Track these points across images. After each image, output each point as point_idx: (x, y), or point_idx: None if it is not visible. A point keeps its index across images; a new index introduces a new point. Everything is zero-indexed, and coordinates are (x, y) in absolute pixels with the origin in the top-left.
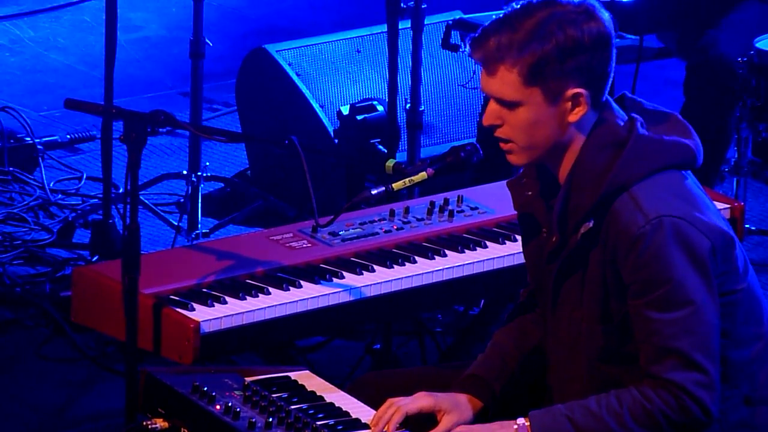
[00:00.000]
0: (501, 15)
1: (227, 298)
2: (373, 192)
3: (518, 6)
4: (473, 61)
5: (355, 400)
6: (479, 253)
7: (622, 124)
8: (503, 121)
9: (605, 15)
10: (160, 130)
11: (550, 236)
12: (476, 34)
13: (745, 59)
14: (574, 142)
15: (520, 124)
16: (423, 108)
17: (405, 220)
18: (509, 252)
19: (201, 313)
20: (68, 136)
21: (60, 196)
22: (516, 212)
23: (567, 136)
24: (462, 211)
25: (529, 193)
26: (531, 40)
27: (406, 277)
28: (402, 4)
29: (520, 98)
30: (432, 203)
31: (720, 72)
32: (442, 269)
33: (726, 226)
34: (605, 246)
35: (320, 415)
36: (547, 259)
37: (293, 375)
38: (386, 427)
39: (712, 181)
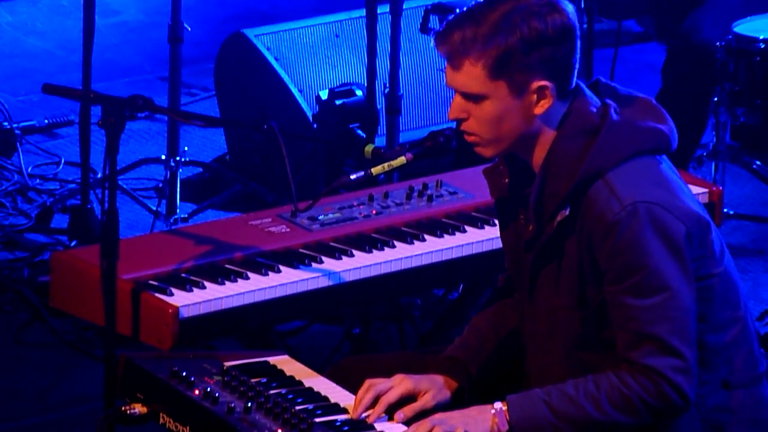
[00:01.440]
0: (465, 8)
1: (206, 283)
2: (352, 177)
3: None
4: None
5: (335, 385)
6: (458, 238)
7: (595, 110)
8: (469, 115)
9: (569, 7)
10: (139, 114)
11: (527, 224)
12: (440, 29)
13: (723, 43)
14: (542, 133)
15: (486, 117)
16: (402, 93)
17: (384, 204)
18: (488, 237)
19: (180, 298)
20: (46, 121)
21: (38, 181)
22: (491, 197)
23: (534, 129)
24: (441, 195)
25: (506, 180)
26: (495, 34)
27: (385, 261)
28: None
29: (486, 92)
30: (411, 188)
31: (701, 57)
32: (421, 254)
33: (701, 210)
34: (581, 233)
35: (299, 400)
36: (524, 247)
37: (272, 360)
38: (368, 418)
39: (688, 164)
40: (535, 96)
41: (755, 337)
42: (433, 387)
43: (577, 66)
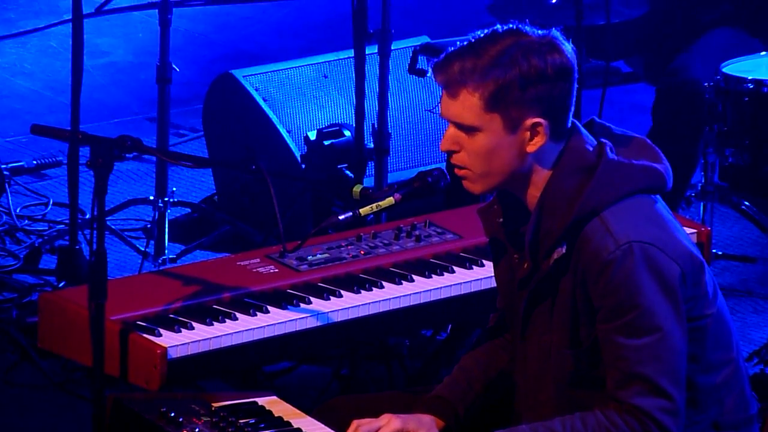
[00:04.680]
0: (466, 41)
1: (194, 324)
2: (341, 217)
3: (483, 33)
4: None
5: (322, 426)
6: (446, 278)
7: (591, 149)
8: (461, 147)
9: (568, 47)
10: (127, 155)
11: (522, 262)
12: (440, 58)
13: (712, 84)
14: (533, 172)
15: (478, 150)
16: (390, 133)
17: (372, 245)
18: (476, 277)
19: (168, 339)
20: (34, 162)
21: (26, 221)
22: (486, 238)
23: (525, 167)
24: (429, 236)
25: (500, 219)
26: (494, 66)
27: (373, 302)
28: (369, 30)
29: (480, 124)
30: (399, 228)
31: (690, 95)
32: (410, 294)
33: (695, 250)
34: (576, 270)
35: None
36: (518, 285)
37: (260, 401)
38: None
39: (678, 205)
40: (528, 133)
41: (747, 379)
42: (420, 427)
43: (573, 107)
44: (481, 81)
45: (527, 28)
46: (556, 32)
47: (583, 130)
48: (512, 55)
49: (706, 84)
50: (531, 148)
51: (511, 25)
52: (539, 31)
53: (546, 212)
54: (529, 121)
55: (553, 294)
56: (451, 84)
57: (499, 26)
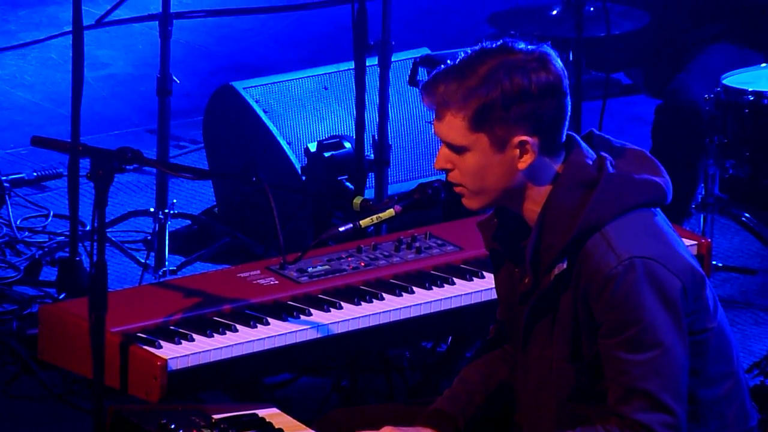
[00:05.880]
0: (454, 61)
1: (194, 336)
2: (341, 229)
3: (473, 51)
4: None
5: None
6: (447, 290)
7: (591, 163)
8: (454, 166)
9: (558, 63)
10: (127, 167)
11: (523, 277)
12: (426, 80)
13: (712, 96)
14: (528, 188)
15: (469, 169)
16: (390, 144)
17: (372, 256)
18: (476, 289)
19: (168, 351)
20: (35, 174)
21: (27, 233)
22: (486, 250)
23: (518, 183)
24: (429, 247)
25: (500, 233)
26: (478, 87)
27: (373, 314)
28: (369, 41)
29: (467, 144)
30: (399, 240)
31: (690, 115)
32: (410, 306)
33: (696, 264)
34: (577, 286)
35: None
36: (519, 299)
37: (261, 413)
38: None
39: (683, 220)
40: (517, 151)
41: (747, 391)
42: None
43: (566, 122)
44: (463, 102)
45: (518, 45)
46: (547, 48)
47: (582, 143)
48: (496, 74)
49: (706, 96)
50: (522, 166)
51: (501, 42)
52: (530, 47)
53: (547, 228)
54: (517, 139)
55: (554, 309)
56: (437, 106)
57: (488, 43)
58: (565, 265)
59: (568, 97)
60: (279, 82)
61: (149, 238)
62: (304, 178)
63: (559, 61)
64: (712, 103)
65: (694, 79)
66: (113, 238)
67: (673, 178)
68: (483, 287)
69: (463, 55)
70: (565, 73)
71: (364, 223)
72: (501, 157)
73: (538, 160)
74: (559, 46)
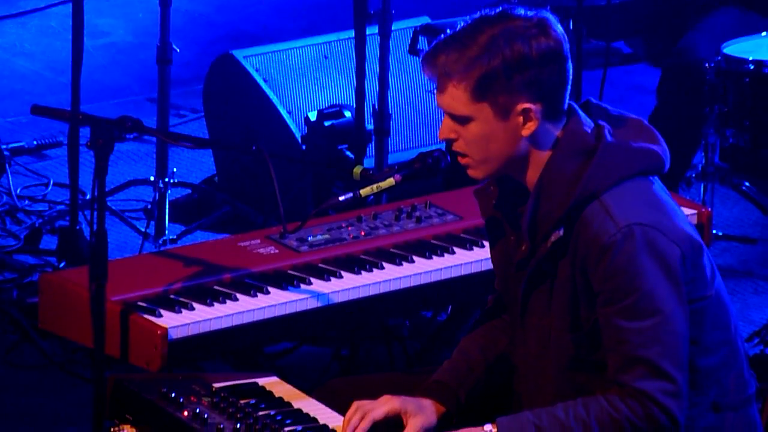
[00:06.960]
0: (454, 30)
1: (195, 305)
2: (341, 198)
3: (471, 20)
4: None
5: (323, 406)
6: (447, 259)
7: (589, 131)
8: (458, 136)
9: (559, 28)
10: (127, 136)
11: (519, 244)
12: (426, 51)
13: (713, 64)
14: (532, 154)
15: (473, 138)
16: (391, 114)
17: (372, 226)
18: (477, 258)
19: (168, 320)
20: (35, 143)
21: (27, 202)
22: (482, 218)
23: (522, 150)
24: (429, 216)
25: (494, 201)
26: (478, 56)
27: (373, 283)
28: (369, 10)
29: (470, 113)
30: (399, 209)
31: (696, 76)
32: (410, 275)
33: (694, 232)
34: (575, 254)
35: (288, 422)
36: (516, 266)
37: (261, 381)
38: None
39: (678, 185)
40: (521, 118)
41: (745, 359)
42: (419, 411)
43: (568, 87)
44: (465, 72)
45: (517, 11)
46: (546, 14)
47: (580, 111)
48: (496, 42)
49: (706, 65)
50: (525, 132)
51: (500, 9)
52: (530, 13)
53: (544, 195)
54: (520, 107)
55: (551, 277)
56: (438, 77)
57: (487, 11)
58: (561, 233)
59: (570, 62)
60: (279, 50)
61: (149, 207)
62: (304, 147)
63: (559, 26)
64: (712, 71)
65: (700, 39)
66: (113, 207)
67: (674, 138)
68: (483, 256)
69: (462, 23)
70: (566, 37)
71: (364, 192)
72: (505, 125)
73: (541, 126)
74: (559, 14)
